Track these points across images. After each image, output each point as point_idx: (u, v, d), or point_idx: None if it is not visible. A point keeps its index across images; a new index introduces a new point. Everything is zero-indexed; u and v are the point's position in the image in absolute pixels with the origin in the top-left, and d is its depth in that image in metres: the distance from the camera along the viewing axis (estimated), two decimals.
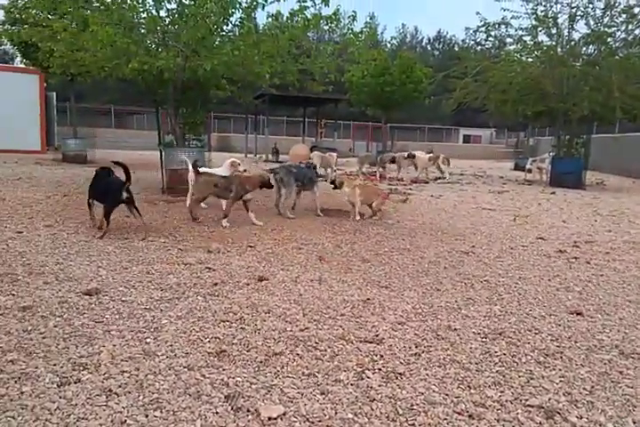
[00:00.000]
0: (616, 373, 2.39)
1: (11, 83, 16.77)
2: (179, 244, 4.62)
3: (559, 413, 2.00)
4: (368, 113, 26.79)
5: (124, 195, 4.64)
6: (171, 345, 2.44)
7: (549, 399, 2.11)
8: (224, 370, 2.22)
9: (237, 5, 7.20)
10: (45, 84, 17.52)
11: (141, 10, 7.26)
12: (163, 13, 7.46)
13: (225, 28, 7.85)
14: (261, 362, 2.32)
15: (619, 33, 11.94)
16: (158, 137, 9.15)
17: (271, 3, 7.59)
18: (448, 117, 40.25)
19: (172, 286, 3.36)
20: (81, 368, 2.17)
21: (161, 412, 1.87)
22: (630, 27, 11.68)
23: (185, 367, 2.22)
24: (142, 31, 7.65)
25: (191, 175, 5.91)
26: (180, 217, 5.91)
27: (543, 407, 2.04)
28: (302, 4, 7.38)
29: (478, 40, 14.76)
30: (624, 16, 11.46)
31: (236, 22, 7.83)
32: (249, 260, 4.19)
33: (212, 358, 2.34)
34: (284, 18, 7.88)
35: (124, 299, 3.06)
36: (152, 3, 7.22)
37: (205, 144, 8.97)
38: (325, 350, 2.49)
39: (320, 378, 2.21)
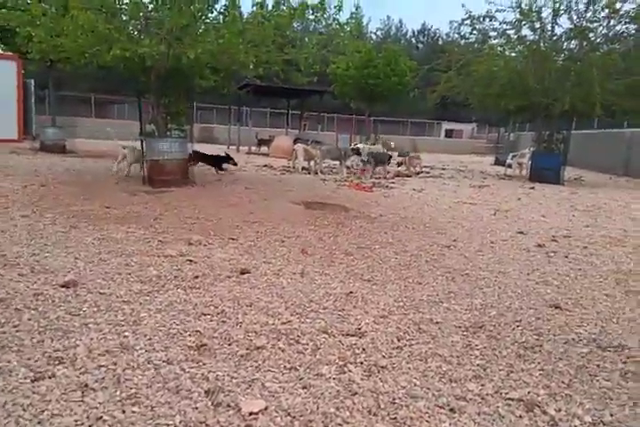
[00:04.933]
0: (593, 366, 2.42)
1: None
2: (159, 235, 4.55)
3: (538, 406, 2.02)
4: (352, 106, 26.75)
5: None
6: (150, 339, 2.40)
7: (529, 393, 2.13)
8: (204, 364, 2.19)
9: None
10: (23, 71, 17.05)
11: None
12: None
13: (209, 15, 7.72)
14: (242, 356, 2.30)
15: (600, 28, 12.03)
16: (140, 127, 8.99)
17: None
18: (431, 111, 40.35)
19: (152, 279, 3.30)
20: (56, 362, 2.12)
21: (139, 407, 1.84)
22: (612, 22, 11.76)
23: (164, 362, 2.19)
24: (124, 17, 7.46)
25: None
26: (160, 209, 5.82)
27: (523, 400, 2.06)
28: None
29: (462, 33, 14.71)
30: (606, 11, 11.53)
31: (221, 10, 7.71)
32: (231, 252, 4.14)
33: (192, 351, 2.30)
34: (270, 6, 7.78)
35: (101, 291, 3.00)
36: None
37: (188, 134, 8.83)
38: (307, 344, 2.47)
39: (302, 372, 2.19)
